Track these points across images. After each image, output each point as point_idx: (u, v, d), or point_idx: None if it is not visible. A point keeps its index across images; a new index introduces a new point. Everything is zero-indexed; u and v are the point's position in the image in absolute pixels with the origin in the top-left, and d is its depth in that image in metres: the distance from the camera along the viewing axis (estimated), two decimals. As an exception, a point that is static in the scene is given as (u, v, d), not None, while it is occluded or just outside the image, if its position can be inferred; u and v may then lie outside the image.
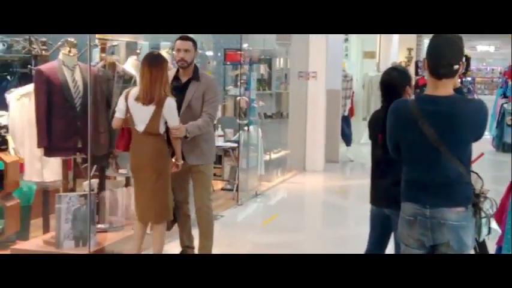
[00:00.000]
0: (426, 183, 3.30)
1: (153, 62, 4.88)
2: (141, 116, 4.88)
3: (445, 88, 3.27)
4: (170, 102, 4.87)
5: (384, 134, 3.84)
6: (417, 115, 3.25)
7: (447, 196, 3.28)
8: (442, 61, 3.23)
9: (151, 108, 4.85)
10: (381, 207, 4.09)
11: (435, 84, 3.27)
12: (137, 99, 4.88)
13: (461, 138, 3.24)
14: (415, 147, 3.33)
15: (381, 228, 4.17)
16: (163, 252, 5.48)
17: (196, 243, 5.62)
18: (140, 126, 4.90)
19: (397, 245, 3.97)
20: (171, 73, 5.39)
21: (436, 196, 3.27)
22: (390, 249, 4.19)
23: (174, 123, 4.92)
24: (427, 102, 3.28)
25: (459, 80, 3.94)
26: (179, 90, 5.24)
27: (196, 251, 5.61)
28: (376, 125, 4.07)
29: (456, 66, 3.24)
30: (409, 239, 3.39)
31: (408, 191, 3.39)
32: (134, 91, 4.95)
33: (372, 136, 4.17)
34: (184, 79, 5.28)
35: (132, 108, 4.90)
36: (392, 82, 4.06)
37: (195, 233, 5.67)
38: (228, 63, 9.48)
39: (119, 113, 4.98)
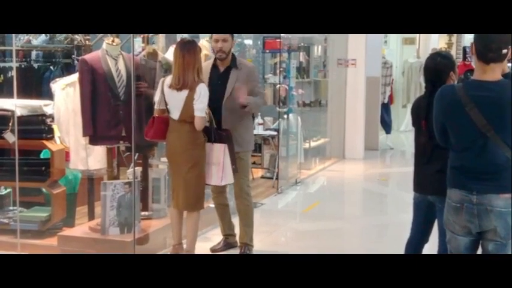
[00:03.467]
0: (473, 169, 3.27)
1: (186, 47, 4.90)
2: (175, 103, 4.91)
3: (493, 73, 3.23)
4: (202, 88, 4.87)
5: (427, 121, 3.81)
6: (465, 101, 3.22)
7: (494, 182, 3.24)
8: (491, 45, 3.18)
9: (184, 93, 4.87)
10: (424, 194, 4.05)
11: (483, 69, 3.23)
12: (170, 85, 4.91)
13: (510, 124, 3.20)
14: (462, 133, 3.29)
15: (424, 216, 4.14)
16: (203, 240, 5.55)
17: (237, 230, 5.67)
18: (175, 113, 4.94)
19: (440, 233, 3.94)
20: (208, 63, 5.43)
21: (483, 182, 3.24)
22: (434, 236, 4.15)
23: (201, 111, 4.88)
24: (475, 88, 3.24)
25: (509, 65, 3.88)
26: (219, 79, 5.28)
27: (237, 238, 5.65)
28: (420, 112, 4.03)
29: (505, 51, 3.19)
30: (456, 226, 3.36)
31: (455, 177, 3.36)
32: (168, 79, 4.98)
33: (415, 123, 4.13)
34: (222, 68, 5.31)
35: (167, 96, 4.94)
36: (437, 68, 4.01)
37: (235, 220, 5.72)
38: (267, 51, 9.46)
39: (157, 104, 5.04)
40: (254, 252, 5.59)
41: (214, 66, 5.35)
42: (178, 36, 6.78)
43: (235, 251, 5.58)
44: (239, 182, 5.39)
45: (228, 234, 5.67)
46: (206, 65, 5.44)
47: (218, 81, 5.28)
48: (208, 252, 5.59)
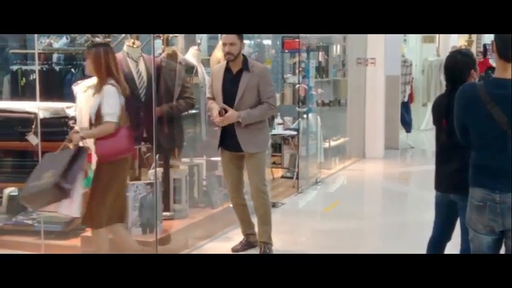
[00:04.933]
0: (495, 168, 3.25)
1: (89, 52, 4.75)
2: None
3: (515, 71, 3.21)
4: (107, 90, 4.56)
5: (448, 119, 3.80)
6: (486, 99, 3.20)
7: (517, 181, 3.22)
8: (512, 43, 3.16)
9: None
10: (446, 193, 4.04)
11: (504, 67, 3.21)
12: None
13: (532, 122, 3.18)
14: (484, 132, 3.28)
15: (446, 215, 4.13)
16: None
17: (256, 229, 5.68)
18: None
19: (463, 231, 3.92)
20: (221, 66, 5.45)
21: (506, 181, 3.22)
22: (456, 234, 4.14)
23: (111, 116, 4.55)
24: (496, 86, 3.22)
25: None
26: (230, 82, 5.32)
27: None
28: (440, 110, 4.03)
29: (527, 49, 3.17)
30: (478, 224, 3.35)
31: (477, 176, 3.34)
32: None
33: (436, 121, 4.12)
34: (235, 70, 5.35)
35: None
36: (457, 66, 3.99)
37: (255, 220, 5.74)
38: (286, 51, 9.47)
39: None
40: (274, 252, 5.61)
41: (227, 69, 5.38)
42: (198, 37, 6.83)
43: (256, 251, 5.60)
44: (255, 181, 5.42)
45: (249, 233, 5.70)
46: (219, 68, 5.47)
47: (230, 84, 5.32)
48: (230, 252, 5.61)
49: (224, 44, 5.25)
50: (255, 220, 5.74)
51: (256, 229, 5.71)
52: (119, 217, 4.69)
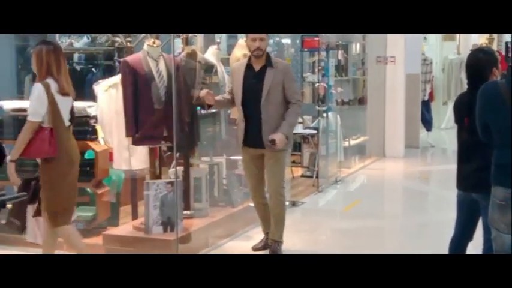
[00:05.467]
0: (518, 166, 3.23)
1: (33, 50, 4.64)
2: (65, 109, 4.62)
3: (538, 69, 3.18)
4: (34, 88, 4.51)
5: (470, 117, 3.78)
6: (508, 97, 3.18)
7: (540, 179, 3.19)
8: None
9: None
10: (468, 192, 4.01)
11: (527, 64, 3.18)
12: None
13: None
14: (505, 130, 3.26)
15: (468, 214, 4.10)
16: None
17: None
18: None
19: (485, 230, 3.90)
20: (242, 63, 5.46)
21: (529, 179, 3.20)
22: (478, 235, 4.11)
23: (31, 115, 4.44)
24: (518, 84, 3.20)
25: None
26: (254, 78, 5.32)
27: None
28: (462, 108, 4.00)
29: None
30: (501, 224, 3.33)
31: (499, 175, 3.32)
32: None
33: (458, 119, 4.10)
34: (257, 67, 5.35)
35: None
36: (479, 64, 3.96)
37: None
38: (306, 49, 9.45)
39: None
40: (294, 251, 5.62)
41: (249, 66, 5.38)
42: (217, 36, 6.85)
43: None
44: (273, 183, 5.43)
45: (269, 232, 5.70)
46: (240, 65, 5.48)
47: (253, 81, 5.31)
48: (250, 250, 5.62)
49: (254, 40, 5.24)
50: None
51: None
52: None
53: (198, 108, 5.91)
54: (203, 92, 5.26)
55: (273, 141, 5.20)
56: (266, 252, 5.57)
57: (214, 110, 6.40)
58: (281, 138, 5.22)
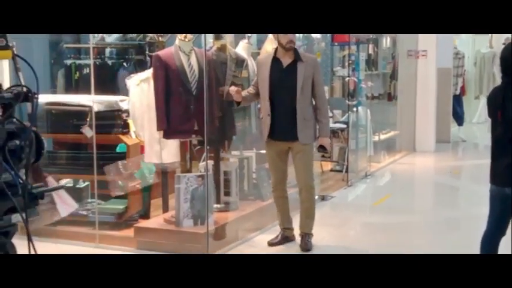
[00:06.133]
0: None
1: None
2: None
3: None
4: None
5: (504, 111, 3.73)
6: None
7: None
8: None
9: None
10: (501, 187, 3.97)
11: None
12: None
13: None
14: (541, 124, 3.22)
15: (501, 209, 4.05)
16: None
17: (296, 221, 5.68)
18: None
19: (518, 226, 3.86)
20: (268, 56, 5.47)
21: None
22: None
23: None
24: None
25: None
26: (284, 73, 5.33)
27: (295, 232, 5.69)
28: (496, 102, 3.95)
29: None
30: (535, 219, 3.29)
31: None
32: None
33: (492, 114, 4.04)
34: (287, 61, 5.35)
35: None
36: (514, 57, 3.91)
37: (292, 214, 5.75)
38: (336, 44, 9.42)
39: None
40: (324, 245, 5.63)
41: (275, 60, 5.38)
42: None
43: (292, 244, 5.62)
44: (304, 176, 5.45)
45: (286, 227, 5.69)
46: (265, 59, 5.48)
47: (284, 75, 5.32)
48: (266, 245, 5.62)
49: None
50: (292, 215, 5.75)
51: (295, 221, 5.72)
52: None
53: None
54: (232, 89, 5.28)
55: (322, 147, 5.45)
56: (281, 246, 5.58)
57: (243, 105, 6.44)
58: (327, 142, 5.51)
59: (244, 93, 5.43)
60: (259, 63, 5.56)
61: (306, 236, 5.54)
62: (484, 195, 4.18)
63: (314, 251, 5.47)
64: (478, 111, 13.75)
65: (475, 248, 4.18)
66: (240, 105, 5.58)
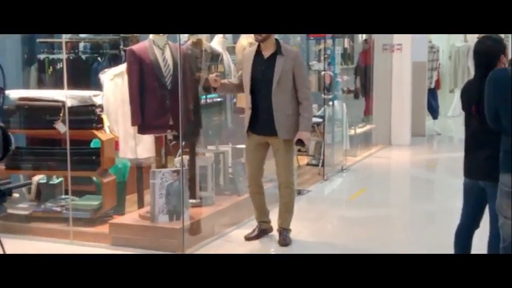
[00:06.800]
0: (527, 153, 3.21)
1: None
2: None
3: (546, 55, 3.16)
4: None
5: (478, 105, 3.75)
6: (518, 84, 3.16)
7: (549, 167, 3.18)
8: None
9: None
10: (475, 180, 3.99)
11: (536, 51, 3.16)
12: None
13: None
14: (515, 117, 3.24)
15: (475, 202, 4.08)
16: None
17: (275, 216, 5.67)
18: None
19: (492, 218, 3.88)
20: (252, 50, 5.45)
21: (537, 167, 3.18)
22: (484, 222, 4.09)
23: None
24: (527, 71, 3.18)
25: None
26: (263, 65, 5.31)
27: (272, 224, 5.69)
28: (470, 96, 3.97)
29: (558, 32, 3.12)
30: (509, 210, 3.32)
31: (508, 162, 3.31)
32: None
33: (466, 107, 4.07)
34: (267, 53, 5.33)
35: None
36: (488, 51, 3.92)
37: (270, 208, 5.75)
38: (312, 38, 9.42)
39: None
40: (300, 239, 5.64)
41: (258, 53, 5.37)
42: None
43: (270, 238, 5.63)
44: (284, 172, 5.44)
45: (263, 221, 5.69)
46: (249, 52, 5.47)
47: (263, 68, 5.30)
48: (243, 240, 5.62)
49: None
50: (270, 208, 5.75)
51: (274, 216, 5.71)
52: None
53: (203, 97, 5.90)
54: (211, 77, 5.26)
55: (300, 142, 5.33)
56: (259, 241, 5.57)
57: (219, 98, 6.42)
58: (307, 136, 5.39)
59: (224, 80, 5.42)
60: (244, 56, 5.55)
61: (285, 231, 5.53)
62: (459, 188, 4.21)
63: (292, 246, 5.46)
64: (452, 105, 13.87)
65: (451, 241, 4.21)
66: (216, 92, 5.55)
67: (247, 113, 5.37)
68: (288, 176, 5.47)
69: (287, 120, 5.30)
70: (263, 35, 5.25)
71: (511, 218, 3.33)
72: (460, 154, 4.11)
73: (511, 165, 3.29)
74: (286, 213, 5.54)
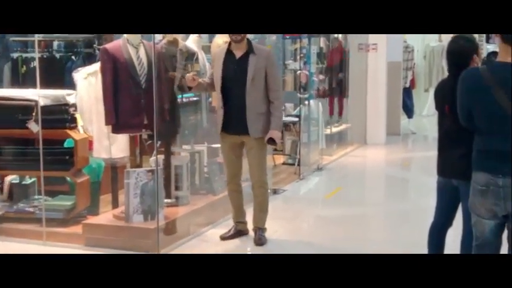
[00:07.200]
0: (499, 152, 3.24)
1: None
2: None
3: (518, 55, 3.19)
4: None
5: (451, 104, 3.78)
6: (490, 83, 3.19)
7: (521, 165, 3.21)
8: (515, 27, 3.14)
9: None
10: (449, 178, 4.02)
11: (507, 51, 3.19)
12: None
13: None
14: (488, 116, 3.27)
15: (448, 200, 4.11)
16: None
17: (250, 215, 5.67)
18: None
19: (465, 217, 3.91)
20: (222, 49, 5.44)
21: (510, 165, 3.21)
22: (457, 220, 4.12)
23: None
24: (500, 70, 3.21)
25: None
26: (236, 65, 5.31)
27: (249, 226, 5.69)
28: (443, 95, 4.00)
29: (529, 32, 3.15)
30: (481, 209, 3.34)
31: (481, 160, 3.33)
32: None
33: (439, 106, 4.09)
34: (239, 53, 5.32)
35: None
36: (460, 51, 3.95)
37: (246, 208, 5.74)
38: (287, 37, 9.43)
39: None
40: (276, 239, 5.63)
41: (229, 52, 5.35)
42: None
43: (246, 238, 5.62)
44: (257, 171, 5.44)
45: (239, 221, 5.68)
46: (220, 51, 5.45)
47: (235, 67, 5.30)
48: (218, 239, 5.60)
49: None
50: (246, 208, 5.74)
51: (247, 218, 5.71)
52: None
53: (180, 96, 5.87)
54: (188, 76, 5.24)
55: (271, 140, 5.31)
56: (235, 241, 5.56)
57: (195, 98, 6.40)
58: (278, 135, 5.38)
59: (199, 80, 5.40)
60: (214, 55, 5.53)
61: (260, 230, 5.53)
62: (434, 187, 4.23)
63: (268, 245, 5.46)
64: (427, 104, 13.98)
65: (425, 239, 4.23)
66: (191, 91, 5.53)
67: (220, 113, 5.36)
68: (261, 175, 5.48)
69: (259, 118, 5.30)
70: (241, 35, 5.24)
71: (483, 216, 3.36)
72: (434, 153, 4.13)
73: (484, 163, 3.32)
74: (261, 212, 5.54)
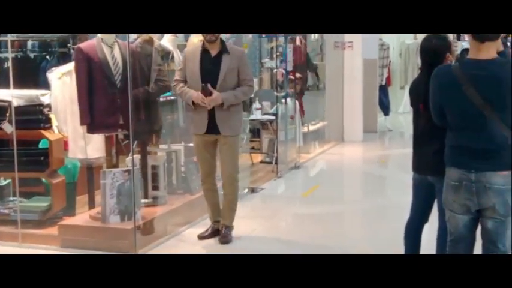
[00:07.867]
0: (471, 147, 3.28)
1: None
2: None
3: (488, 51, 3.23)
4: None
5: (425, 101, 3.81)
6: (462, 80, 3.22)
7: (493, 160, 3.26)
8: (485, 24, 3.17)
9: None
10: (424, 175, 4.05)
11: (478, 47, 3.23)
12: None
13: (507, 102, 3.20)
14: (460, 113, 3.30)
15: (424, 196, 4.14)
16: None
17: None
18: None
19: (440, 213, 3.95)
20: (197, 48, 5.43)
21: (482, 160, 3.25)
22: (433, 216, 4.16)
23: None
24: (471, 67, 3.24)
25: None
26: (210, 63, 5.32)
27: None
28: (418, 93, 4.03)
29: (500, 29, 3.19)
30: (455, 204, 3.38)
31: (453, 156, 3.37)
32: None
33: (414, 104, 4.13)
34: (214, 52, 5.34)
35: None
36: (433, 49, 3.99)
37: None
38: (264, 35, 9.44)
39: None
40: (255, 236, 5.64)
41: (205, 51, 5.36)
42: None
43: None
44: (228, 168, 5.44)
45: (217, 220, 5.66)
46: (194, 50, 5.45)
47: (210, 67, 5.31)
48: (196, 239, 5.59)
49: None
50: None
51: None
52: None
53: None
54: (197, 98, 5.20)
55: (207, 90, 5.17)
56: (213, 240, 5.54)
57: (172, 97, 6.39)
58: (216, 97, 5.19)
59: (185, 89, 5.34)
60: (187, 54, 5.50)
61: (227, 228, 5.52)
62: (410, 184, 4.26)
63: (246, 244, 5.45)
64: (403, 101, 14.05)
65: (402, 236, 4.26)
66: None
67: (192, 113, 5.36)
68: (232, 172, 5.48)
69: (230, 117, 5.31)
70: (215, 35, 5.24)
71: (456, 212, 3.39)
72: (410, 150, 4.16)
73: (456, 159, 3.35)
74: (230, 210, 5.55)
